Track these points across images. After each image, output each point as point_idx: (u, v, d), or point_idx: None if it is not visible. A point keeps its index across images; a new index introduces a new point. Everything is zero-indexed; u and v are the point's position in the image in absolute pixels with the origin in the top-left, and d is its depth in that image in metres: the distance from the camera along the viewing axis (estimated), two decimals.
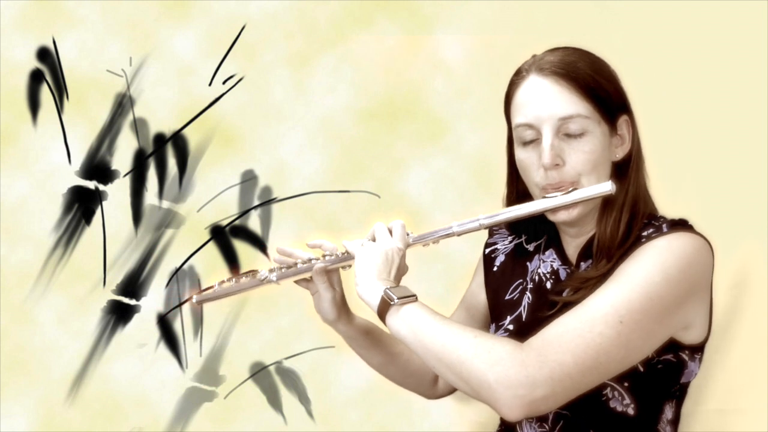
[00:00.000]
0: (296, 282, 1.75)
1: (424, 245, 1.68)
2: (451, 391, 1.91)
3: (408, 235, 1.66)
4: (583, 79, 1.55)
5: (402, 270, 1.61)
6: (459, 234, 1.64)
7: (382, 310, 1.51)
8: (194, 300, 1.79)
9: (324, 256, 1.71)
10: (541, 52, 1.63)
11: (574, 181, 1.55)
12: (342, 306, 1.76)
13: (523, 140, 1.58)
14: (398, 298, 1.50)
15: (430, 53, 2.59)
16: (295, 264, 1.71)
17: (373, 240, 1.65)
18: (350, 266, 1.69)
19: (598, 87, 1.56)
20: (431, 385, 1.88)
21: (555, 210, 1.56)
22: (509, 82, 1.63)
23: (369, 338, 1.80)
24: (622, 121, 1.60)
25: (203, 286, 2.63)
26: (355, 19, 2.60)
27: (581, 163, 1.54)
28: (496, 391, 1.37)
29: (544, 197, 1.56)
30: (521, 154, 1.59)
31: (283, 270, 1.72)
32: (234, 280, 1.76)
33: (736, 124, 2.45)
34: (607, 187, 1.53)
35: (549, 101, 1.54)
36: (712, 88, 2.45)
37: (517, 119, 1.58)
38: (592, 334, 1.40)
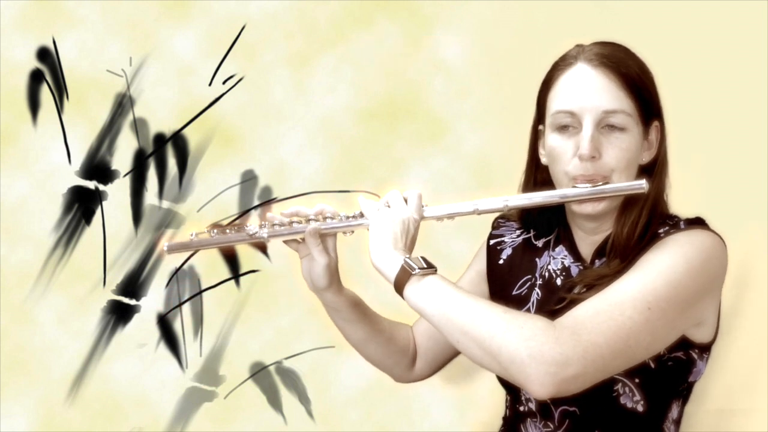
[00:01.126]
0: (285, 242, 1.65)
1: (438, 220, 1.63)
2: (426, 376, 1.86)
3: (423, 207, 1.62)
4: (630, 77, 1.54)
5: (415, 241, 1.57)
6: (480, 212, 1.60)
7: (401, 281, 1.46)
8: (165, 248, 1.65)
9: (325, 218, 1.63)
10: (589, 43, 1.61)
11: (606, 176, 1.54)
12: (334, 274, 1.68)
13: (559, 127, 1.55)
14: (419, 269, 1.46)
15: (430, 53, 2.59)
16: (291, 223, 1.62)
17: (388, 207, 1.59)
18: (352, 232, 1.62)
19: (644, 87, 1.56)
20: (408, 367, 1.85)
21: (581, 201, 1.55)
22: (552, 66, 1.60)
23: (355, 311, 1.74)
24: (653, 127, 1.61)
25: (203, 286, 2.63)
26: (355, 19, 2.60)
27: (617, 158, 1.53)
28: (529, 366, 1.34)
29: (575, 186, 1.54)
30: (554, 141, 1.56)
31: (275, 227, 1.61)
32: (216, 231, 1.61)
33: (736, 124, 2.45)
34: (642, 184, 1.52)
35: (595, 92, 1.53)
36: (712, 87, 2.45)
37: (557, 105, 1.56)
38: (623, 318, 1.39)
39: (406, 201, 1.60)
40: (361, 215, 1.60)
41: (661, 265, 1.45)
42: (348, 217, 1.60)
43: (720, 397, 2.41)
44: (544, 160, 1.62)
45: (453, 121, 2.59)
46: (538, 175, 1.66)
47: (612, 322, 1.38)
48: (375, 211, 1.58)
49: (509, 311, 1.41)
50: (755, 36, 2.46)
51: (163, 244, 1.64)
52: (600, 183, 1.53)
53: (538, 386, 1.34)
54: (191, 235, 1.62)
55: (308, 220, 1.63)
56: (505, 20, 2.55)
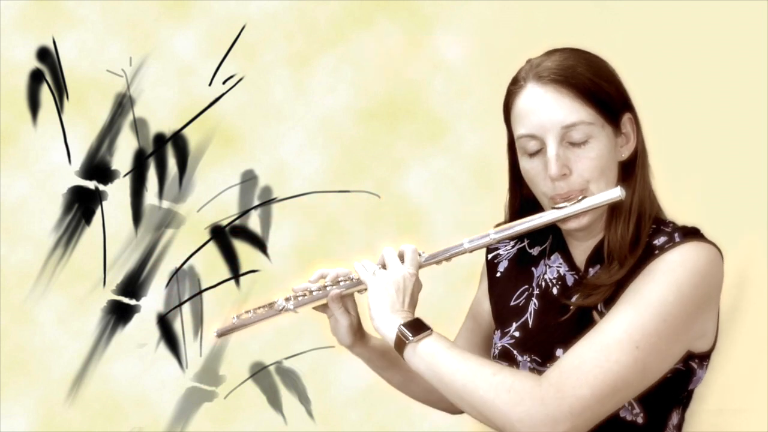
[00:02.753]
0: (314, 308, 1.75)
1: (438, 264, 1.67)
2: None
3: (420, 255, 1.64)
4: (583, 84, 1.52)
5: (416, 294, 1.60)
6: (471, 250, 1.63)
7: (399, 347, 1.51)
8: (215, 334, 1.82)
9: (339, 281, 1.70)
10: (537, 55, 1.59)
11: (582, 189, 1.52)
12: (358, 330, 1.75)
13: (527, 151, 1.55)
14: (413, 336, 1.50)
15: (430, 53, 2.59)
16: (311, 291, 1.71)
17: (383, 267, 1.63)
18: (365, 290, 1.67)
19: (599, 90, 1.53)
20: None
21: (565, 219, 1.55)
22: (507, 91, 1.59)
23: (386, 359, 1.79)
24: (626, 120, 1.58)
25: (203, 286, 2.63)
26: (355, 19, 2.60)
27: (588, 170, 1.51)
28: (520, 430, 1.39)
29: (554, 208, 1.54)
30: (526, 164, 1.56)
31: (299, 298, 1.72)
32: (252, 311, 1.77)
33: (736, 124, 2.45)
34: (617, 193, 1.51)
35: (550, 110, 1.51)
36: (712, 87, 2.45)
37: (519, 130, 1.55)
38: (609, 363, 1.39)
39: (401, 257, 1.62)
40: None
41: (650, 296, 1.43)
42: (355, 279, 1.69)
43: (720, 397, 2.41)
44: (523, 174, 1.63)
45: (453, 121, 2.59)
46: (523, 191, 1.65)
47: (597, 370, 1.39)
48: (371, 276, 1.62)
49: (498, 372, 1.44)
50: (755, 37, 2.45)
51: (214, 330, 1.83)
52: (579, 198, 1.52)
53: None
54: (233, 318, 1.78)
55: (325, 287, 1.71)
56: (505, 20, 2.55)
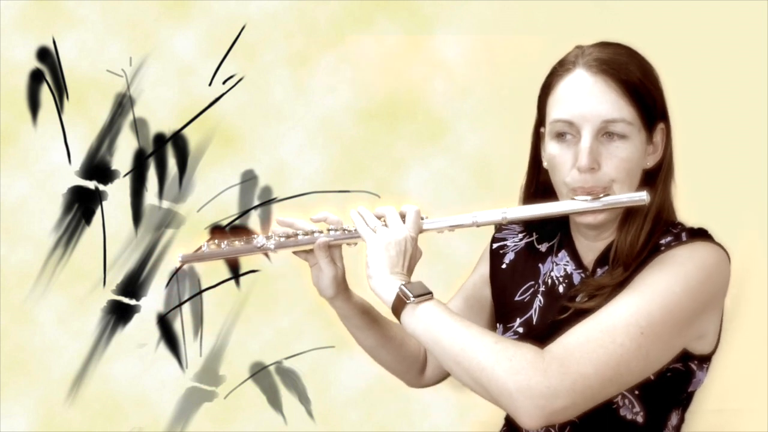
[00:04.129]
0: (295, 253, 1.66)
1: (439, 232, 1.63)
2: (437, 381, 1.86)
3: (422, 219, 1.61)
4: (632, 83, 1.49)
5: (415, 258, 1.56)
6: (479, 225, 1.59)
7: (397, 308, 1.47)
8: (179, 259, 1.67)
9: (328, 230, 1.63)
10: (588, 44, 1.55)
11: (606, 187, 1.49)
12: (342, 283, 1.68)
13: (558, 135, 1.52)
14: (414, 296, 1.46)
15: (430, 53, 2.59)
16: (296, 235, 1.63)
17: (384, 223, 1.58)
18: (355, 243, 1.62)
19: (647, 93, 1.51)
20: (419, 372, 1.85)
21: (583, 213, 1.52)
22: (550, 71, 1.56)
23: (365, 318, 1.74)
24: (659, 129, 1.56)
25: (203, 286, 2.63)
26: (355, 19, 2.60)
27: (616, 169, 1.49)
28: (517, 400, 1.35)
29: (574, 198, 1.52)
30: (553, 149, 1.52)
31: (282, 239, 1.62)
32: (226, 242, 1.64)
33: (736, 124, 2.45)
34: (642, 196, 1.48)
35: (594, 101, 1.48)
36: (711, 87, 2.45)
37: (556, 113, 1.51)
38: (614, 345, 1.38)
39: (403, 218, 1.59)
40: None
41: (658, 285, 1.43)
42: (348, 230, 1.61)
43: (720, 397, 2.41)
44: (545, 163, 1.60)
45: (453, 121, 2.59)
46: (540, 178, 1.63)
47: (602, 350, 1.37)
48: (371, 231, 1.56)
49: (501, 340, 1.41)
50: (755, 37, 2.46)
51: (178, 255, 1.67)
52: (600, 195, 1.50)
53: (527, 419, 1.35)
54: (203, 246, 1.64)
55: (312, 232, 1.64)
56: (505, 20, 2.55)
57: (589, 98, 1.49)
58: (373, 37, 2.60)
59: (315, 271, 1.67)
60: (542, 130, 1.59)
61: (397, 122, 2.60)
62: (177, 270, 2.58)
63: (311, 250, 1.65)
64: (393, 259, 1.52)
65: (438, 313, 1.46)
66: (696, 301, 1.44)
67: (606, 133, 1.49)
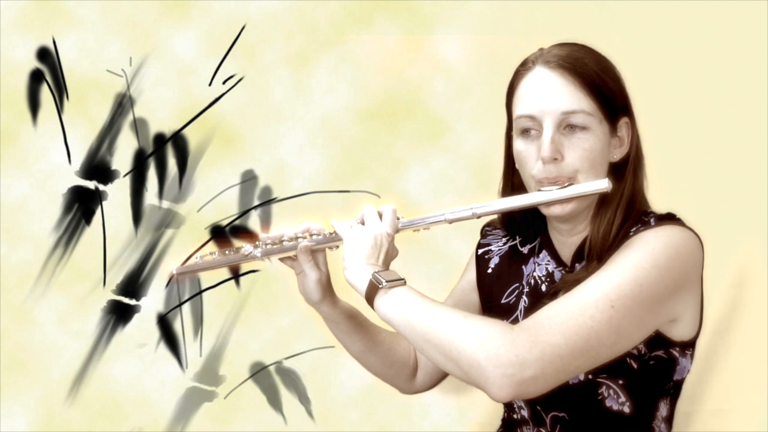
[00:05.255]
0: (281, 260, 1.72)
1: (415, 230, 1.66)
2: (428, 387, 1.89)
3: (398, 219, 1.64)
4: (589, 76, 1.54)
5: (390, 255, 1.60)
6: (450, 221, 1.63)
7: (370, 294, 1.50)
8: (174, 272, 1.74)
9: (311, 235, 1.69)
10: (549, 45, 1.62)
11: (570, 177, 1.54)
12: (327, 287, 1.73)
13: (522, 131, 1.57)
14: (386, 282, 1.49)
15: (430, 53, 2.59)
16: (281, 241, 1.69)
17: (362, 223, 1.63)
18: (337, 247, 1.66)
19: (604, 85, 1.56)
20: (409, 378, 1.87)
21: (549, 204, 1.56)
22: (514, 72, 1.62)
23: (352, 323, 1.77)
24: (623, 123, 1.60)
25: (203, 286, 2.63)
26: (355, 19, 2.60)
27: (579, 159, 1.54)
28: (486, 369, 1.35)
29: (539, 190, 1.56)
30: (520, 145, 1.58)
31: (267, 246, 1.69)
32: (217, 254, 1.71)
33: (736, 124, 2.45)
34: (603, 184, 1.53)
35: (553, 94, 1.54)
36: (711, 88, 2.45)
37: (519, 110, 1.57)
38: (583, 317, 1.40)
39: (380, 216, 1.62)
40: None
41: (627, 263, 1.45)
42: (333, 234, 1.68)
43: (720, 397, 2.41)
44: (516, 163, 1.64)
45: (453, 121, 2.59)
46: (514, 179, 1.67)
47: (572, 321, 1.39)
48: (347, 229, 1.62)
49: (470, 316, 1.43)
50: (755, 36, 2.45)
51: (172, 268, 1.74)
52: (566, 184, 1.53)
53: (497, 389, 1.36)
54: (197, 258, 1.71)
55: (297, 238, 1.68)
56: (505, 20, 2.55)
57: (549, 92, 1.54)
58: (373, 37, 2.60)
59: (300, 278, 1.73)
60: (512, 133, 1.63)
61: (397, 122, 2.60)
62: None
63: (296, 257, 1.69)
64: (368, 251, 1.56)
65: (409, 296, 1.48)
66: (666, 278, 1.46)
67: (567, 125, 1.53)
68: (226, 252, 1.71)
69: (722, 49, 2.45)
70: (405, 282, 1.51)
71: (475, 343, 1.37)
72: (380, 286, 1.49)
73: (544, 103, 1.54)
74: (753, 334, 2.44)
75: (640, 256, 1.46)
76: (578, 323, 1.39)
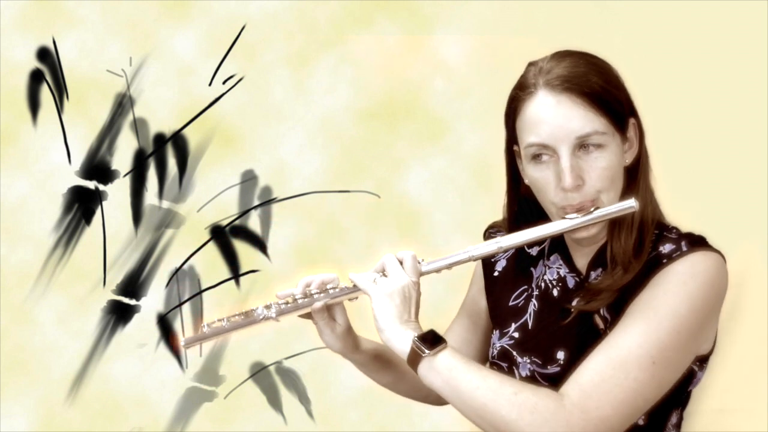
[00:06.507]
0: (300, 316, 1.67)
1: (438, 272, 1.63)
2: None
3: (420, 263, 1.59)
4: (596, 93, 1.48)
5: (419, 303, 1.56)
6: (476, 259, 1.59)
7: (414, 360, 1.47)
8: (182, 344, 1.68)
9: (327, 289, 1.63)
10: (542, 57, 1.55)
11: (593, 199, 1.49)
12: (347, 336, 1.68)
13: (534, 157, 1.51)
14: (428, 350, 1.46)
15: (430, 53, 2.59)
16: (295, 299, 1.63)
17: (383, 274, 1.57)
18: (356, 298, 1.63)
19: (611, 98, 1.50)
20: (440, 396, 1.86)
21: (575, 230, 1.53)
22: (513, 96, 1.55)
23: (378, 362, 1.76)
24: (631, 125, 1.56)
25: (203, 286, 2.63)
26: (355, 19, 2.60)
27: (600, 179, 1.48)
28: None
29: (564, 218, 1.52)
30: (534, 173, 1.52)
31: (281, 306, 1.63)
32: (226, 320, 1.65)
33: (736, 124, 2.45)
34: (631, 204, 1.48)
35: (564, 120, 1.47)
36: (711, 88, 2.45)
37: (529, 138, 1.51)
38: (628, 381, 1.40)
39: (401, 263, 1.58)
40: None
41: (663, 309, 1.43)
42: (347, 287, 1.61)
43: (720, 397, 2.41)
44: (527, 181, 1.60)
45: (453, 121, 2.59)
46: (521, 194, 1.63)
47: (618, 389, 1.39)
48: (371, 284, 1.55)
49: (520, 390, 1.42)
50: (755, 36, 2.45)
51: (180, 339, 1.69)
52: (591, 209, 1.50)
53: None
54: (203, 326, 1.66)
55: (311, 294, 1.63)
56: (505, 20, 2.55)
57: (558, 118, 1.48)
58: (373, 37, 2.60)
59: (319, 329, 1.67)
60: (515, 148, 1.59)
61: (397, 122, 2.60)
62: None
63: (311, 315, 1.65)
64: (399, 308, 1.51)
65: (455, 366, 1.46)
66: (701, 317, 1.45)
67: (582, 146, 1.48)
68: (237, 317, 1.65)
69: (722, 49, 2.44)
70: (446, 344, 1.48)
71: (531, 426, 1.38)
72: (423, 355, 1.46)
73: (557, 131, 1.48)
74: (753, 334, 2.44)
75: (676, 301, 1.44)
76: (624, 389, 1.40)
